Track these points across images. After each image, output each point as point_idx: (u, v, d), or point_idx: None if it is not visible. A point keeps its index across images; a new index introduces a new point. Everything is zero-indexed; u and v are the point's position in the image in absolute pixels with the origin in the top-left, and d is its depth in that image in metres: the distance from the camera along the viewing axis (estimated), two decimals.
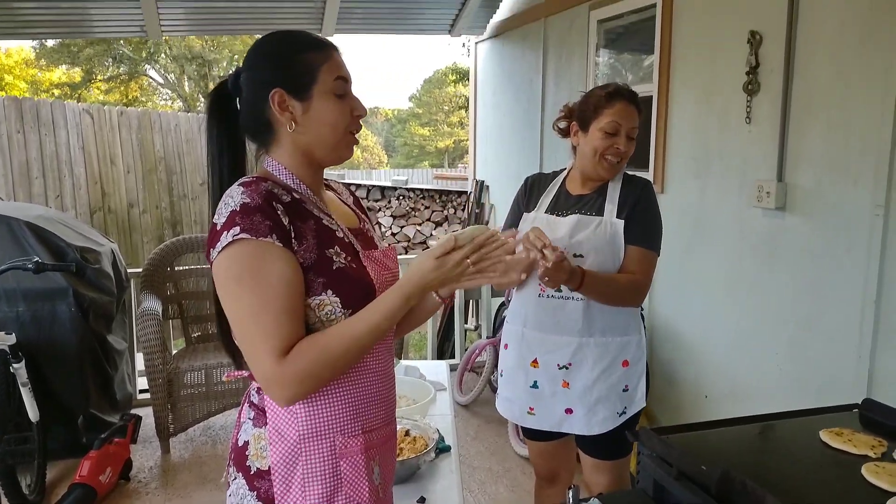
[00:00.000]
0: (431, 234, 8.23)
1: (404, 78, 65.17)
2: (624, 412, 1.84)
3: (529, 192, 1.98)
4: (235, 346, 1.19)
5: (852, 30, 2.27)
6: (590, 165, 1.85)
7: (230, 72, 1.19)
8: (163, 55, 17.82)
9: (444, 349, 5.22)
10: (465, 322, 5.08)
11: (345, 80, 1.15)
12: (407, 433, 1.88)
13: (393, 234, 8.25)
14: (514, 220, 1.98)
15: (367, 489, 1.13)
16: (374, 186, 8.31)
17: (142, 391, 3.80)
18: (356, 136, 1.19)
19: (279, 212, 1.07)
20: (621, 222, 1.79)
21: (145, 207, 6.82)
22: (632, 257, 1.80)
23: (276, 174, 1.15)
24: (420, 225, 8.32)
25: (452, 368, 4.24)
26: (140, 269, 3.66)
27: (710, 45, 2.95)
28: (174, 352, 3.66)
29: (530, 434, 2.02)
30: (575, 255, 1.79)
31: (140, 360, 3.51)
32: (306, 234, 1.09)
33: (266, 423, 1.11)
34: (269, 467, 1.09)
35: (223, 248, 1.03)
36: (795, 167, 2.53)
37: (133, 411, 3.41)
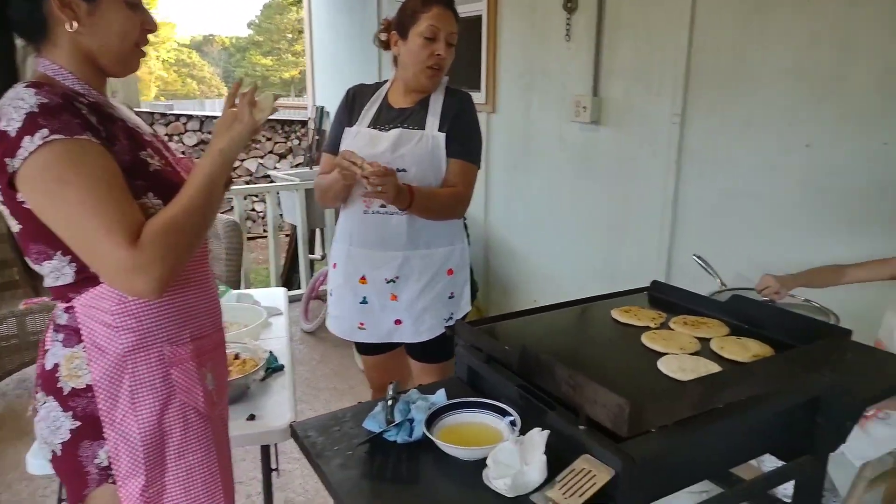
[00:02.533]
0: (276, 167, 7.90)
1: (241, 3, 60.40)
2: (450, 318, 1.91)
3: (351, 104, 1.93)
4: (33, 272, 1.12)
5: None
6: (412, 75, 1.82)
7: None
8: None
9: (292, 280, 5.14)
10: (312, 252, 5.01)
11: None
12: (236, 356, 1.84)
13: (233, 169, 7.82)
14: (336, 136, 1.93)
15: (201, 394, 1.14)
16: (207, 117, 7.75)
17: None
18: (144, 50, 1.13)
19: (84, 111, 1.00)
20: (443, 135, 1.79)
21: None
22: (454, 170, 1.81)
23: (57, 78, 1.05)
24: (262, 158, 7.94)
25: (299, 299, 4.20)
26: None
27: None
28: None
29: (363, 348, 2.07)
30: (398, 170, 1.77)
31: None
32: (117, 134, 1.05)
33: (80, 342, 1.06)
34: (87, 385, 1.06)
35: (31, 154, 0.93)
36: (608, 81, 2.69)
37: None
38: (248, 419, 1.65)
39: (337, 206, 1.92)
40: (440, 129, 1.80)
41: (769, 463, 1.67)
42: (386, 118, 1.86)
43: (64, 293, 1.07)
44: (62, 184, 0.95)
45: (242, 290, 2.51)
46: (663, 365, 1.18)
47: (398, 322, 1.90)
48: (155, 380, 1.09)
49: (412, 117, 1.84)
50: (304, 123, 7.94)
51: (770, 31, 2.08)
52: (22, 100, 0.95)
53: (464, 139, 1.83)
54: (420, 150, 1.79)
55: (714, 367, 1.15)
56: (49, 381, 1.08)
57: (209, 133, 7.61)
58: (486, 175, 3.44)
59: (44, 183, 0.95)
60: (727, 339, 1.28)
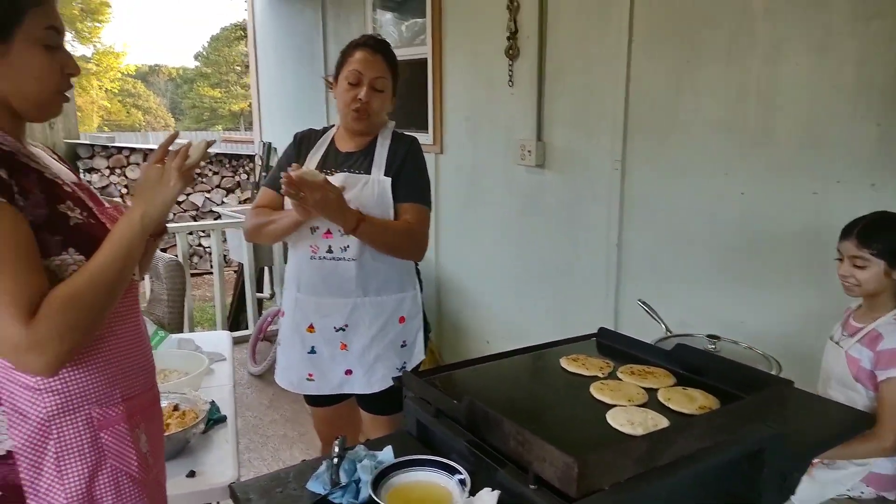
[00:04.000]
0: (223, 202, 7.76)
1: (189, 34, 59.90)
2: (403, 367, 1.87)
3: (298, 149, 1.92)
4: None
5: (591, 1, 2.51)
6: (342, 117, 1.84)
7: None
8: None
9: (239, 320, 5.00)
10: (261, 291, 4.90)
11: (57, 31, 1.03)
12: (176, 408, 1.77)
13: (178, 203, 7.63)
14: (279, 175, 1.91)
15: (134, 458, 1.09)
16: (151, 150, 7.58)
17: None
18: (67, 94, 1.08)
19: None
20: (388, 180, 1.79)
21: None
22: (404, 212, 1.80)
23: None
24: (209, 192, 7.79)
25: (246, 340, 4.09)
26: None
27: (476, 10, 3.08)
28: None
29: (312, 400, 1.99)
30: None
31: None
32: (30, 189, 0.98)
33: None
34: (8, 451, 0.99)
35: None
36: (551, 127, 2.76)
37: None
38: (188, 476, 1.59)
39: (270, 243, 1.90)
40: (386, 174, 1.80)
41: None
42: (332, 162, 1.85)
43: None
44: None
45: (183, 335, 2.43)
46: (612, 418, 1.19)
47: (349, 372, 1.85)
48: (83, 445, 1.03)
49: (358, 162, 1.84)
50: (251, 158, 7.84)
51: (700, 84, 2.18)
52: None
53: (411, 182, 1.82)
54: (366, 195, 1.78)
55: (662, 420, 1.16)
56: None
57: None
58: (436, 215, 3.46)
59: None
60: (674, 390, 1.30)
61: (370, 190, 1.78)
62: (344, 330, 1.83)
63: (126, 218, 1.04)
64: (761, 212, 2.08)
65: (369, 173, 1.80)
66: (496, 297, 3.20)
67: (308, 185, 1.60)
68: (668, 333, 1.86)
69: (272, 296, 5.08)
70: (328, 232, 1.77)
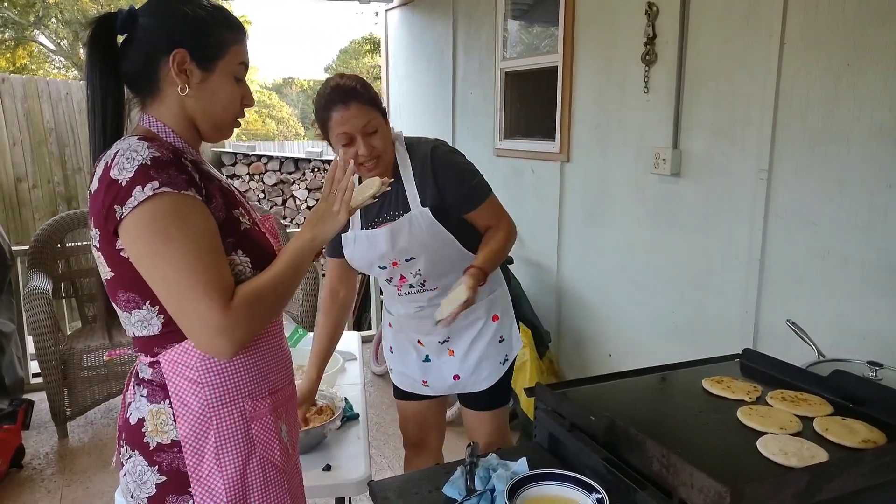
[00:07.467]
0: None
1: (319, 48, 63.38)
2: (505, 360, 1.94)
3: None
4: (113, 321, 1.18)
5: (738, 5, 2.38)
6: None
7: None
8: (53, 19, 16.44)
9: (361, 321, 5.21)
10: (382, 293, 5.07)
11: (246, 66, 1.17)
12: (313, 403, 1.87)
13: (308, 208, 8.07)
14: (336, 244, 1.85)
15: (277, 448, 1.16)
16: (287, 158, 8.08)
17: (35, 375, 3.58)
18: (239, 121, 1.20)
19: (189, 168, 1.06)
20: (427, 210, 1.68)
21: (35, 182, 6.34)
22: (481, 216, 1.76)
23: (160, 135, 1.12)
24: None
25: (369, 340, 4.24)
26: (27, 247, 3.41)
27: (611, 17, 3.02)
28: (69, 332, 3.46)
29: (401, 394, 2.06)
30: (407, 260, 1.75)
31: (31, 343, 3.29)
32: (214, 193, 1.10)
33: (165, 398, 1.08)
34: (173, 440, 1.08)
35: (140, 203, 0.98)
36: (688, 135, 2.64)
37: (26, 396, 3.22)
38: (324, 469, 1.67)
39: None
40: (423, 203, 1.68)
41: None
42: (373, 212, 1.75)
43: (149, 346, 1.10)
44: (166, 238, 0.99)
45: None
46: (763, 446, 1.12)
47: (456, 377, 1.93)
48: (238, 435, 1.11)
49: (393, 203, 1.72)
50: None
51: (862, 89, 2.00)
52: (136, 151, 1.01)
53: (459, 190, 1.72)
54: (419, 234, 1.69)
55: (820, 452, 1.08)
56: (134, 436, 1.10)
57: (288, 173, 7.92)
58: (559, 224, 3.42)
59: (148, 235, 0.99)
60: (832, 420, 1.20)
61: (417, 228, 1.69)
62: (448, 341, 1.92)
63: (300, 238, 1.16)
64: None
65: (409, 210, 1.69)
66: (620, 309, 3.11)
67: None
68: (821, 358, 1.72)
69: None
70: (403, 277, 1.81)
